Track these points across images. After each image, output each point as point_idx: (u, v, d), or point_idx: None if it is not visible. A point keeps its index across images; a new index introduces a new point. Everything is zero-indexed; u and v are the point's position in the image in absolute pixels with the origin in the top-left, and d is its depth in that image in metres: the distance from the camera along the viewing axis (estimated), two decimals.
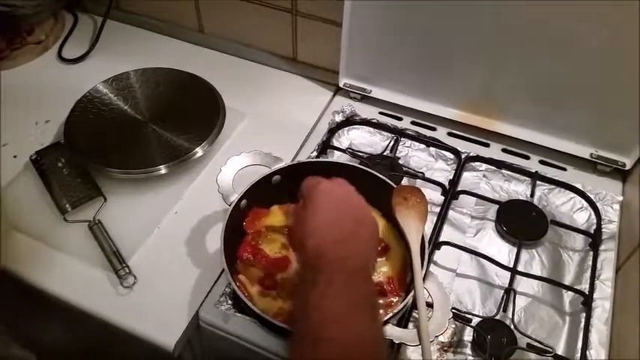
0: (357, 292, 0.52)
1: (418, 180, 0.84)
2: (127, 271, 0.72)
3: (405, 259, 0.67)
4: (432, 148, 0.89)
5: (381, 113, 0.93)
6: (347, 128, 0.92)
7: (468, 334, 0.69)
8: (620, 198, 0.82)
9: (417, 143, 0.89)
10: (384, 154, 0.87)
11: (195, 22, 1.04)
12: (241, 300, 0.62)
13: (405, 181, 0.83)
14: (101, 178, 0.82)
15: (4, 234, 0.75)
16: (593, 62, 0.76)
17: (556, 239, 0.79)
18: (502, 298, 0.71)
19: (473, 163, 0.87)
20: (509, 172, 0.85)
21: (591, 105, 0.80)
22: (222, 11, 1.00)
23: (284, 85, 0.99)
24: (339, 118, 0.92)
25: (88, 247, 0.75)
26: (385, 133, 0.91)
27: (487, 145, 0.89)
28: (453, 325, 0.69)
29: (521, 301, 0.72)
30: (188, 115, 0.89)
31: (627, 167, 0.82)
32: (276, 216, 0.71)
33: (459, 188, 0.83)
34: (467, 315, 0.69)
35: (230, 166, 0.71)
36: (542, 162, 0.87)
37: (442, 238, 0.77)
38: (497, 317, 0.69)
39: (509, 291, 0.71)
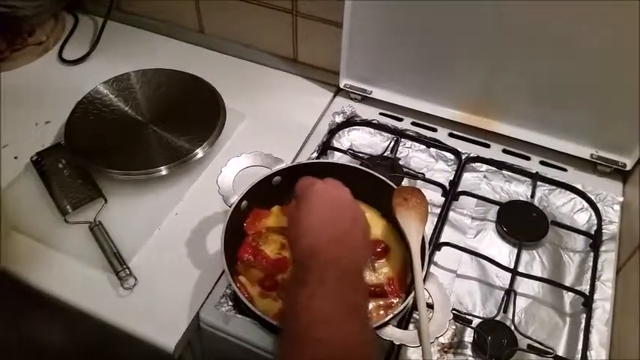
0: (348, 292, 0.52)
1: (418, 181, 0.84)
2: (128, 272, 0.72)
3: (406, 260, 0.67)
4: (432, 149, 0.89)
5: (381, 114, 0.93)
6: (347, 129, 0.92)
7: (469, 335, 0.69)
8: (621, 199, 0.82)
9: (417, 144, 0.89)
10: (385, 154, 0.87)
11: (196, 23, 1.04)
12: (242, 301, 0.62)
13: (405, 182, 0.83)
14: (102, 179, 0.82)
15: (4, 235, 0.75)
16: (593, 62, 0.76)
17: (556, 240, 0.79)
18: (502, 299, 0.71)
19: (473, 164, 0.87)
20: (509, 173, 0.85)
21: (592, 105, 0.80)
22: (222, 12, 1.00)
23: (284, 85, 0.99)
24: (339, 119, 0.92)
25: (88, 248, 0.75)
26: (385, 134, 0.91)
27: (487, 146, 0.89)
28: (454, 326, 0.69)
29: (521, 302, 0.72)
30: (188, 116, 0.89)
31: (628, 168, 0.82)
32: (276, 217, 0.71)
33: (459, 189, 0.83)
34: (467, 316, 0.69)
35: (230, 167, 0.71)
36: (542, 163, 0.86)
37: (442, 239, 0.77)
38: (498, 318, 0.69)
39: (510, 292, 0.71)
